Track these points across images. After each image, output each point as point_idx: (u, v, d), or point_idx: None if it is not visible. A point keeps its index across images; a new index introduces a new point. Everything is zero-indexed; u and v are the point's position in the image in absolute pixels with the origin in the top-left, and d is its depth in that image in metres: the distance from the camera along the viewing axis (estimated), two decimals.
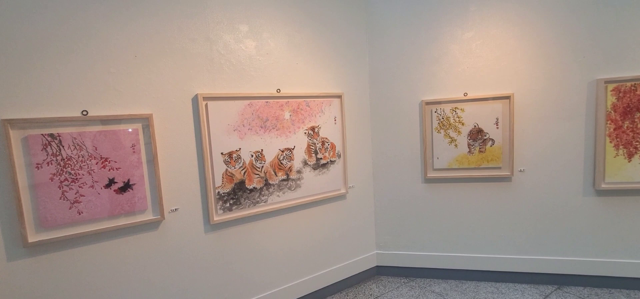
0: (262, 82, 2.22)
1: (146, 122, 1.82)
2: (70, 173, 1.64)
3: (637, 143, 2.31)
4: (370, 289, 2.69)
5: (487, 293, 2.52)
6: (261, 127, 2.21)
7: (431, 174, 2.68)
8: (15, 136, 1.53)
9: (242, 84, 2.15)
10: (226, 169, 2.09)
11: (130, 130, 1.78)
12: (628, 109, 2.29)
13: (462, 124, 2.58)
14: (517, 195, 2.56)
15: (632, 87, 2.27)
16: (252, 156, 2.18)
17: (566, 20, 2.32)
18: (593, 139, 2.37)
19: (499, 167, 2.55)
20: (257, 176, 2.21)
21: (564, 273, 2.53)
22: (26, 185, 1.56)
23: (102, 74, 1.71)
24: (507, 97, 2.47)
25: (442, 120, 2.62)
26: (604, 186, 2.37)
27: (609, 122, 2.33)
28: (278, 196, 2.31)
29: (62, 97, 1.62)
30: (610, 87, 2.30)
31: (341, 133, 2.58)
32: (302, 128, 2.39)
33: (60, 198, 1.63)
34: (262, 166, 2.23)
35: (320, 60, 2.47)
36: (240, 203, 2.15)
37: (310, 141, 2.43)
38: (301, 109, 2.37)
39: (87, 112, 1.68)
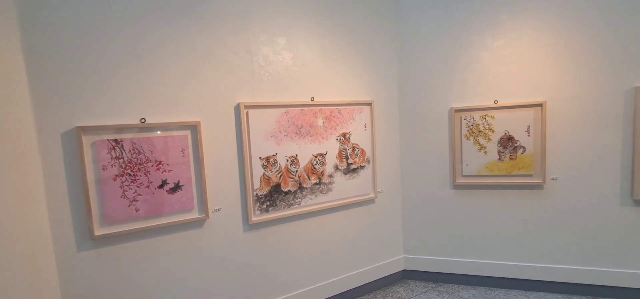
0: (298, 91, 2.36)
1: (194, 128, 2.00)
2: (130, 174, 1.84)
3: None
4: (398, 292, 2.75)
5: None
6: (296, 134, 2.34)
7: (460, 181, 2.71)
8: (86, 141, 1.74)
9: (280, 93, 2.29)
10: (264, 173, 2.23)
11: (181, 136, 1.95)
12: None
13: (492, 131, 2.60)
14: (549, 203, 2.54)
15: None
16: (288, 160, 2.31)
17: (598, 29, 2.30)
18: (631, 147, 2.33)
19: (531, 175, 2.55)
20: (292, 179, 2.34)
21: (598, 284, 2.48)
22: (94, 184, 1.77)
23: (157, 86, 1.90)
24: (540, 105, 2.47)
25: (471, 127, 2.65)
26: None
27: None
28: (311, 198, 2.43)
29: (124, 107, 1.82)
30: None
31: (371, 139, 2.67)
32: (334, 134, 2.50)
33: (121, 197, 1.83)
34: (297, 170, 2.35)
35: (351, 69, 2.57)
36: (276, 205, 2.29)
37: (342, 147, 2.54)
38: (333, 117, 2.49)
39: (145, 120, 1.87)
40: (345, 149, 2.55)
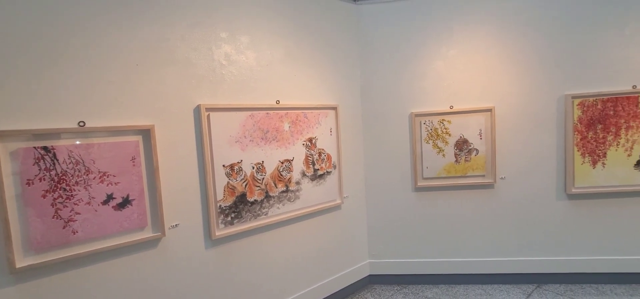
0: (263, 93, 2.21)
1: (147, 133, 1.73)
2: (65, 189, 1.51)
3: (599, 152, 2.59)
4: (365, 298, 2.71)
5: (475, 295, 2.65)
6: (262, 139, 2.18)
7: (421, 183, 2.80)
8: (3, 149, 1.38)
9: (243, 95, 2.12)
10: (228, 182, 2.03)
11: (130, 142, 1.68)
12: (591, 122, 2.58)
13: (449, 135, 2.74)
14: (499, 201, 2.74)
15: (594, 102, 2.56)
16: (253, 167, 2.14)
17: (538, 42, 2.57)
18: (563, 148, 2.63)
19: (483, 175, 2.73)
20: (258, 188, 2.17)
21: (542, 272, 2.74)
22: (15, 204, 1.41)
23: (101, 83, 1.61)
24: (489, 110, 2.67)
25: (430, 131, 2.76)
26: (574, 190, 2.63)
27: (576, 133, 2.59)
28: (278, 208, 2.28)
29: (58, 108, 1.50)
30: (576, 101, 2.57)
31: (336, 144, 2.62)
32: (301, 139, 2.40)
33: (53, 217, 1.49)
34: (263, 178, 2.19)
35: (316, 73, 2.51)
36: (241, 216, 2.10)
37: (308, 152, 2.44)
38: (300, 121, 2.38)
39: (85, 124, 1.56)
40: (312, 155, 2.47)
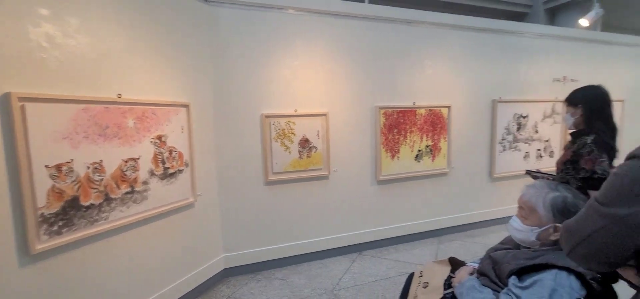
0: (101, 85, 2.00)
1: None
2: None
3: (395, 149, 3.58)
4: (221, 291, 2.81)
5: (317, 268, 3.18)
6: (100, 136, 1.97)
7: (271, 177, 3.12)
8: None
9: (75, 86, 1.86)
10: (53, 185, 1.74)
11: None
12: (391, 127, 3.53)
13: (294, 134, 3.16)
14: (332, 189, 3.37)
15: (392, 112, 3.52)
16: (89, 168, 1.91)
17: (357, 63, 3.32)
18: (374, 146, 3.49)
19: (321, 169, 3.29)
20: (96, 190, 1.94)
21: (362, 241, 3.54)
22: None
23: None
24: (324, 115, 3.25)
25: (278, 131, 3.11)
26: (381, 177, 3.52)
27: (382, 135, 3.49)
28: (121, 211, 2.10)
29: None
30: (382, 111, 3.47)
31: (188, 142, 2.61)
32: (148, 137, 2.28)
33: None
34: (102, 179, 1.98)
35: (167, 69, 2.43)
36: (73, 224, 1.83)
37: (157, 150, 2.34)
38: (147, 117, 2.26)
39: None
40: (162, 153, 2.38)
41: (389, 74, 3.46)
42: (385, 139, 3.51)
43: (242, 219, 3.07)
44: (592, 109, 1.97)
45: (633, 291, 0.77)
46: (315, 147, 3.24)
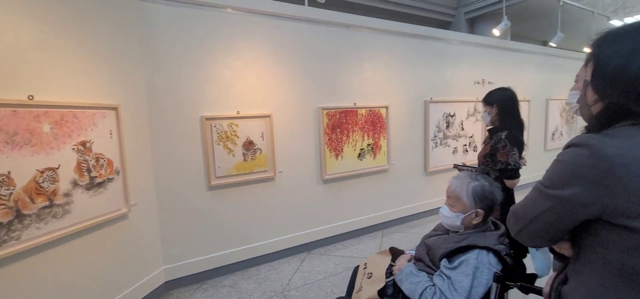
0: (5, 85, 1.74)
1: None
2: None
3: (339, 148, 3.69)
4: None
5: (266, 271, 3.14)
6: (7, 144, 1.71)
7: (214, 182, 3.00)
8: None
9: None
10: None
11: None
12: (334, 127, 3.63)
13: (237, 137, 3.09)
14: (279, 190, 3.36)
15: (335, 113, 3.62)
16: None
17: (296, 65, 3.36)
18: (319, 146, 3.56)
19: (266, 170, 3.26)
20: (3, 207, 1.68)
21: (311, 241, 3.58)
22: None
23: None
24: (268, 116, 3.22)
25: (220, 134, 3.01)
26: (326, 176, 3.61)
27: (325, 135, 3.58)
28: (38, 228, 1.85)
29: None
30: (325, 112, 3.55)
31: (119, 148, 2.39)
32: (69, 143, 2.04)
33: None
34: (11, 193, 1.72)
35: (90, 68, 2.21)
36: None
37: (82, 158, 2.11)
38: (67, 122, 2.03)
39: None
40: (87, 161, 2.15)
41: (330, 75, 3.57)
42: (329, 139, 3.60)
43: (184, 228, 2.91)
44: (504, 108, 2.27)
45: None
46: (260, 149, 3.20)
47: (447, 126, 4.58)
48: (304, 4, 3.51)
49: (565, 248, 0.84)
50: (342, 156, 3.71)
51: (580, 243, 0.79)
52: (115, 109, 2.36)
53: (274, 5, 3.19)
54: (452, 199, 1.46)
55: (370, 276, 1.59)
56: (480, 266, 1.24)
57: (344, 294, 1.79)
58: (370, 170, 3.94)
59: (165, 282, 2.84)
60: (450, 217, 1.44)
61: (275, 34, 3.22)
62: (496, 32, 4.74)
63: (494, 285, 1.14)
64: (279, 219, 3.38)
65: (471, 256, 1.27)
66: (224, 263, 3.10)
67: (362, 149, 3.85)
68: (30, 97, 1.85)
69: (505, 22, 4.65)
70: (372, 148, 3.92)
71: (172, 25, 2.75)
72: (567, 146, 0.77)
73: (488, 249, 1.28)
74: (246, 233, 3.21)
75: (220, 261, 3.08)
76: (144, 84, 2.67)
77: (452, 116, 4.61)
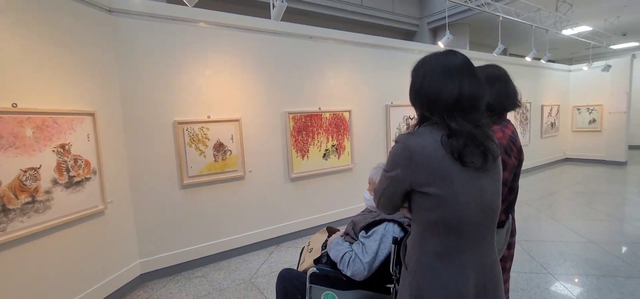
0: None
1: None
2: None
3: (304, 149, 4.02)
4: (138, 295, 2.86)
5: (237, 263, 3.42)
6: None
7: (187, 181, 3.27)
8: None
9: None
10: None
11: None
12: (300, 130, 3.96)
13: (208, 139, 3.37)
14: (249, 188, 3.65)
15: (300, 117, 3.96)
16: None
17: (266, 73, 3.69)
18: (286, 148, 3.88)
19: (236, 170, 3.55)
20: None
21: (279, 235, 3.88)
22: None
23: None
24: (237, 120, 3.52)
25: (192, 136, 3.28)
26: (293, 175, 3.93)
27: (292, 137, 3.90)
28: (22, 221, 2.08)
29: None
30: (291, 116, 3.88)
31: (96, 150, 2.64)
32: (50, 146, 2.28)
33: None
34: None
35: (68, 77, 2.45)
36: None
37: (61, 159, 2.35)
38: (47, 126, 2.27)
39: None
40: (66, 161, 2.39)
41: (296, 82, 3.90)
42: (295, 141, 3.93)
43: (158, 224, 3.15)
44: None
45: None
46: (230, 150, 3.49)
47: (407, 128, 5.00)
48: (270, 18, 3.85)
49: (406, 211, 1.18)
50: (308, 156, 4.04)
51: (411, 206, 1.13)
52: (92, 115, 2.61)
53: (243, 20, 3.51)
54: (371, 184, 1.82)
55: (311, 250, 1.92)
56: (387, 234, 1.59)
57: None
58: (335, 169, 4.29)
59: (141, 274, 3.07)
60: (369, 199, 1.80)
61: (245, 45, 3.53)
62: (441, 44, 5.17)
63: (393, 247, 1.48)
64: (249, 215, 3.67)
65: (381, 227, 1.62)
66: (197, 256, 3.36)
67: (327, 150, 4.20)
68: (14, 105, 2.09)
69: (448, 36, 5.09)
70: (336, 149, 4.28)
71: (143, 37, 3.01)
72: (395, 141, 1.11)
73: (394, 221, 1.63)
74: (218, 228, 3.48)
75: (193, 254, 3.34)
76: (119, 92, 2.92)
77: (411, 118, 5.03)
